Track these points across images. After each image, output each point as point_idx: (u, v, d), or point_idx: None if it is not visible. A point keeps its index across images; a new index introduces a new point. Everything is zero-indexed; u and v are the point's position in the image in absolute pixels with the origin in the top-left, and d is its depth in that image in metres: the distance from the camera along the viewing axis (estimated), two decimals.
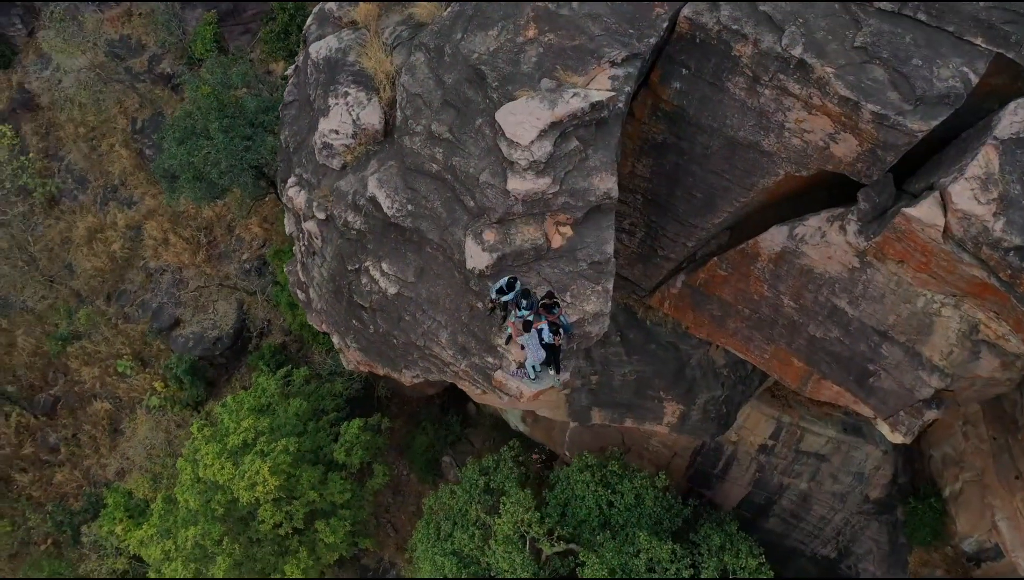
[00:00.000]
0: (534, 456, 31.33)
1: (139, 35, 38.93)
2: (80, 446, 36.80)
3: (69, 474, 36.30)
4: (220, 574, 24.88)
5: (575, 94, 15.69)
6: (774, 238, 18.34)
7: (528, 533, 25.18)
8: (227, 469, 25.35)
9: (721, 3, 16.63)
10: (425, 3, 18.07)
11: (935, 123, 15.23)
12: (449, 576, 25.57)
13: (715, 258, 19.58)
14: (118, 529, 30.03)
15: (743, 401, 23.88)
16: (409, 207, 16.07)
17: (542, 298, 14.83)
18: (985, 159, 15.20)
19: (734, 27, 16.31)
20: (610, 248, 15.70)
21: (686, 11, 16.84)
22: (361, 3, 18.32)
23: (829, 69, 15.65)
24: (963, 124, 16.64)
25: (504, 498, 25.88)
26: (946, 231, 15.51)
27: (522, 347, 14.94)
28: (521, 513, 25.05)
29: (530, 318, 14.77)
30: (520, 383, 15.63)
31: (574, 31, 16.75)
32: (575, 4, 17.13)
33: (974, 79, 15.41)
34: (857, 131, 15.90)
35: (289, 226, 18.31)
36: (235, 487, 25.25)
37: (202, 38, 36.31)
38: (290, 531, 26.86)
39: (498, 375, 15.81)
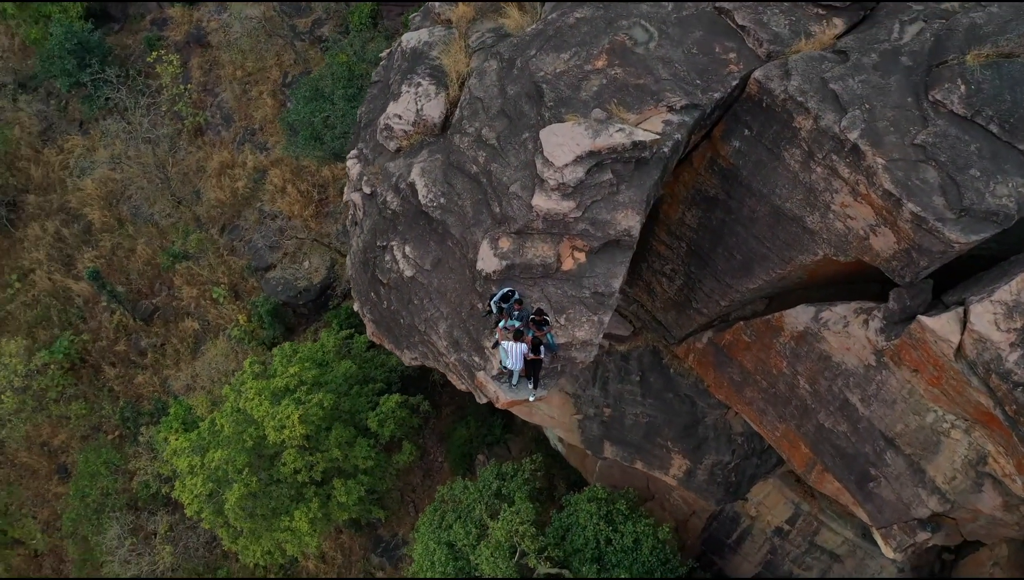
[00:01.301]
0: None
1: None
2: (164, 356, 39.82)
3: (148, 378, 39.35)
4: (233, 500, 26.46)
5: (620, 129, 16.06)
6: (799, 316, 18.01)
7: (520, 545, 25.51)
8: (263, 407, 26.99)
9: (794, 73, 16.58)
10: (515, 15, 18.84)
11: (976, 239, 14.67)
12: (437, 563, 26.23)
13: (741, 322, 19.38)
14: (170, 437, 32.40)
15: (758, 475, 23.33)
16: (442, 200, 16.89)
17: (533, 313, 15.31)
18: (1019, 287, 14.51)
19: (799, 98, 16.24)
20: (617, 283, 15.98)
21: (758, 73, 16.88)
22: (461, 4, 19.32)
23: (880, 160, 15.36)
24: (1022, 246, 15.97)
25: (507, 505, 26.31)
26: (960, 350, 14.89)
27: (496, 345, 15.53)
28: (517, 524, 25.41)
29: (520, 329, 15.29)
30: (498, 388, 16.15)
31: (642, 70, 17.10)
32: (652, 44, 17.48)
33: None
34: (896, 228, 15.52)
35: (345, 194, 19.54)
36: (266, 425, 26.84)
37: (359, 12, 38.55)
38: (308, 480, 28.24)
39: (480, 375, 16.39)
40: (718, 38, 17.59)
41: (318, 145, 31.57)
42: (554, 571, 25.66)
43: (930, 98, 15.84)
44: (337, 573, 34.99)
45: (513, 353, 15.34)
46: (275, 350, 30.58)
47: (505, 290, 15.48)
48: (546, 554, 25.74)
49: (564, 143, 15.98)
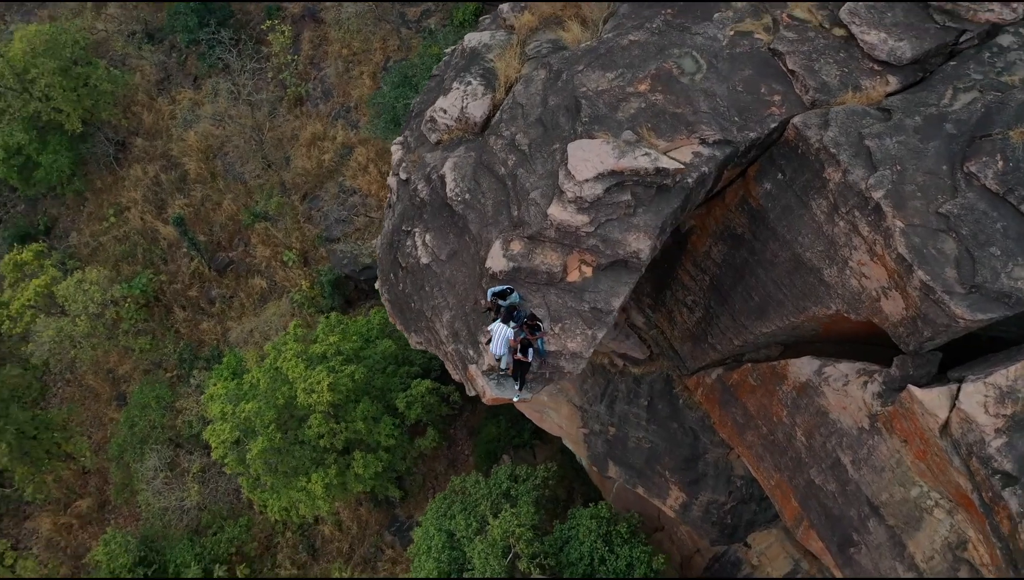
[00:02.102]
0: None
1: None
2: (230, 307, 41.82)
3: (212, 326, 41.42)
4: (255, 451, 27.71)
5: (646, 153, 16.32)
6: (803, 367, 17.84)
7: (514, 547, 25.89)
8: (298, 369, 28.20)
9: (833, 123, 16.49)
10: (575, 30, 19.28)
11: (983, 318, 14.32)
12: (433, 548, 26.87)
13: (750, 364, 19.29)
14: (217, 383, 34.12)
15: (757, 522, 23.02)
16: (467, 196, 17.48)
17: (526, 317, 15.74)
18: (1016, 374, 14.11)
19: (832, 149, 16.15)
20: (617, 302, 16.24)
21: (797, 119, 16.86)
22: (526, 12, 19.89)
23: (899, 222, 15.16)
24: None
25: (509, 506, 26.73)
26: (946, 427, 14.56)
27: (488, 343, 16.02)
28: (515, 525, 25.80)
29: (513, 329, 15.74)
30: (486, 383, 16.63)
31: (682, 100, 17.29)
32: (698, 76, 17.64)
33: None
34: (905, 294, 15.28)
35: (389, 178, 20.40)
36: (298, 387, 28.04)
37: (464, 9, 39.57)
38: (330, 447, 29.30)
39: (472, 368, 16.91)
40: (766, 79, 17.61)
41: (396, 130, 32.64)
42: (543, 578, 25.95)
43: (965, 169, 15.53)
44: (349, 543, 36.04)
45: (498, 336, 15.69)
46: (322, 318, 31.82)
47: (503, 288, 15.95)
48: (539, 560, 26.03)
49: (589, 158, 16.34)
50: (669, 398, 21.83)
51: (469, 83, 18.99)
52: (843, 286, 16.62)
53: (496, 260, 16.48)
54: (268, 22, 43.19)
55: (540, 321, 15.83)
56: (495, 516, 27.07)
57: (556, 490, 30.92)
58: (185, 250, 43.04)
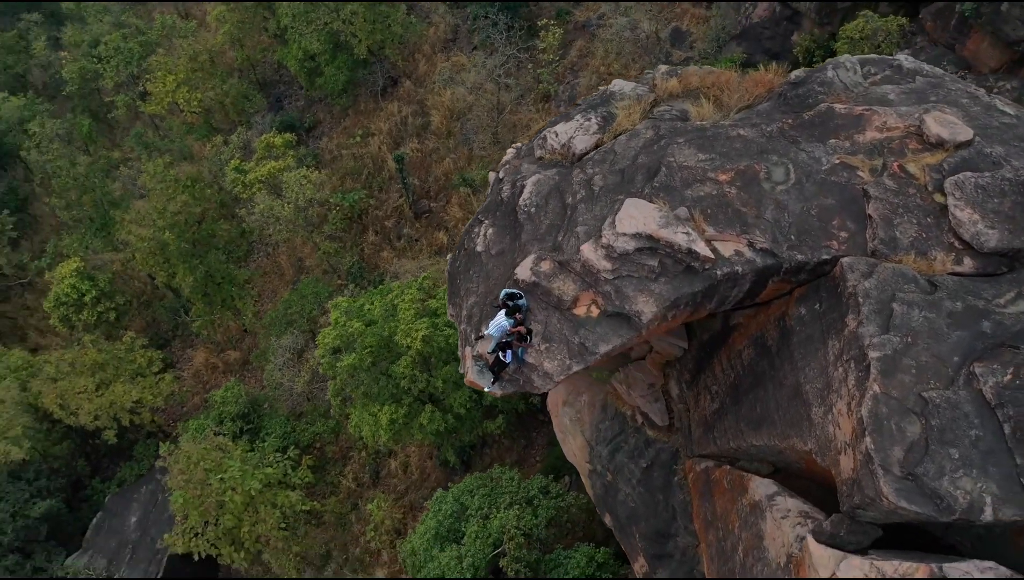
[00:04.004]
0: None
1: (689, 29, 44.87)
2: (411, 248, 46.35)
3: (390, 257, 46.15)
4: (345, 362, 31.36)
5: (686, 233, 17.38)
6: (759, 487, 17.99)
7: (505, 544, 27.51)
8: (408, 313, 31.47)
9: (875, 275, 16.61)
10: (706, 108, 20.41)
11: (906, 506, 14.10)
12: (442, 513, 29.12)
13: (728, 467, 19.59)
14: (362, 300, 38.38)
15: None
16: (532, 209, 19.40)
17: (523, 324, 17.49)
18: (903, 571, 13.85)
19: (860, 298, 16.30)
20: (605, 349, 17.47)
21: (846, 260, 17.08)
22: (674, 78, 21.28)
23: (877, 388, 15.20)
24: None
25: (519, 507, 28.32)
26: None
27: (480, 337, 17.95)
28: (513, 523, 27.40)
29: (510, 323, 17.59)
30: (471, 366, 18.55)
31: (752, 202, 18.06)
32: (780, 187, 18.30)
33: (988, 514, 13.88)
34: (854, 455, 15.28)
35: (490, 173, 22.74)
36: (400, 327, 31.29)
37: (726, 62, 40.77)
38: (408, 389, 32.38)
39: (467, 350, 18.86)
40: (843, 214, 17.90)
41: None
42: (535, 578, 27.37)
43: (971, 368, 15.17)
44: (406, 487, 39.16)
45: (496, 321, 17.51)
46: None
47: (518, 293, 17.80)
48: (522, 566, 27.47)
49: (635, 217, 17.69)
50: (668, 471, 22.41)
51: (589, 119, 20.81)
52: (822, 429, 16.72)
53: (524, 270, 18.29)
54: (544, 20, 46.71)
55: (530, 333, 17.50)
56: (506, 510, 28.78)
57: (581, 519, 31.85)
58: (398, 187, 48.04)
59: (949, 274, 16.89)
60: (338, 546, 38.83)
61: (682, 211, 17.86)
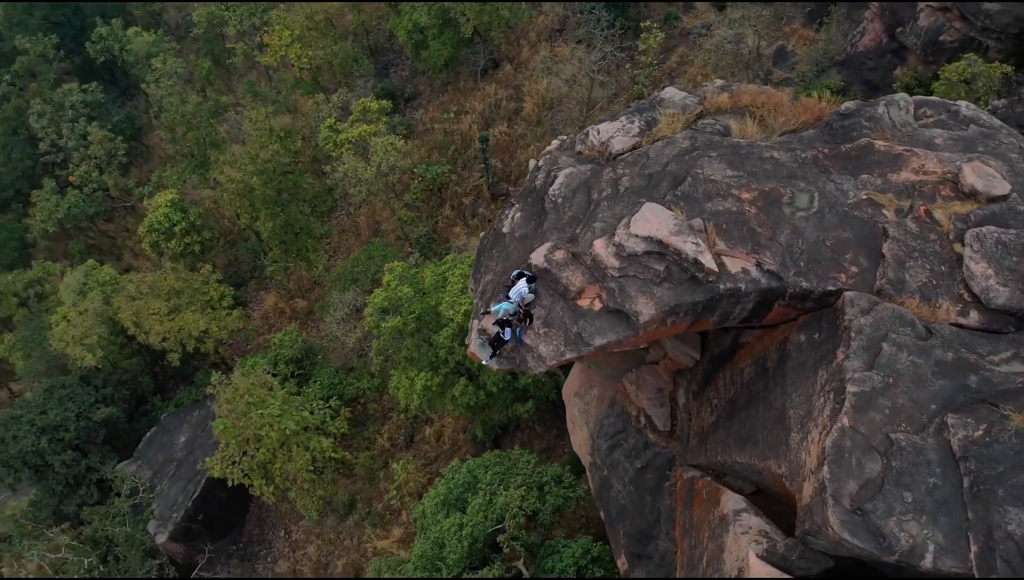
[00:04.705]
0: None
1: (794, 50, 44.37)
2: (481, 228, 47.39)
3: (460, 234, 47.50)
4: (389, 325, 32.77)
5: (696, 243, 17.80)
6: (730, 501, 18.26)
7: (503, 521, 28.35)
8: (455, 286, 32.61)
9: (871, 314, 16.71)
10: (750, 126, 20.63)
11: (847, 539, 14.32)
12: (452, 481, 30.19)
13: (709, 478, 19.90)
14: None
15: None
16: (559, 200, 20.11)
17: (526, 306, 18.31)
18: None
19: (852, 333, 16.48)
20: (598, 342, 18.09)
21: (849, 294, 17.22)
22: (725, 93, 21.54)
23: (847, 422, 15.40)
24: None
25: (527, 490, 29.11)
26: None
27: (486, 313, 18.85)
28: (516, 503, 28.22)
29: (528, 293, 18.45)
30: (475, 338, 19.44)
31: (769, 223, 18.30)
32: (800, 213, 18.47)
33: (928, 561, 13.97)
34: (812, 483, 15.51)
35: (531, 161, 23.47)
36: (446, 298, 32.45)
37: (820, 88, 40.20)
38: (447, 359, 33.54)
39: (474, 322, 19.74)
40: (859, 249, 17.95)
41: None
42: (511, 565, 28.20)
43: (945, 418, 15.16)
44: (436, 455, 40.44)
45: (517, 288, 18.33)
46: None
47: (527, 273, 18.61)
48: (518, 544, 28.26)
49: (649, 220, 18.21)
50: (661, 475, 22.79)
51: (632, 121, 21.33)
52: (796, 454, 16.95)
53: (538, 256, 19.05)
54: (648, 23, 46.90)
55: (530, 316, 18.29)
56: (515, 490, 29.59)
57: (592, 513, 32.33)
58: (481, 166, 49.22)
59: (951, 324, 16.81)
60: (363, 499, 40.49)
61: (697, 222, 18.26)
